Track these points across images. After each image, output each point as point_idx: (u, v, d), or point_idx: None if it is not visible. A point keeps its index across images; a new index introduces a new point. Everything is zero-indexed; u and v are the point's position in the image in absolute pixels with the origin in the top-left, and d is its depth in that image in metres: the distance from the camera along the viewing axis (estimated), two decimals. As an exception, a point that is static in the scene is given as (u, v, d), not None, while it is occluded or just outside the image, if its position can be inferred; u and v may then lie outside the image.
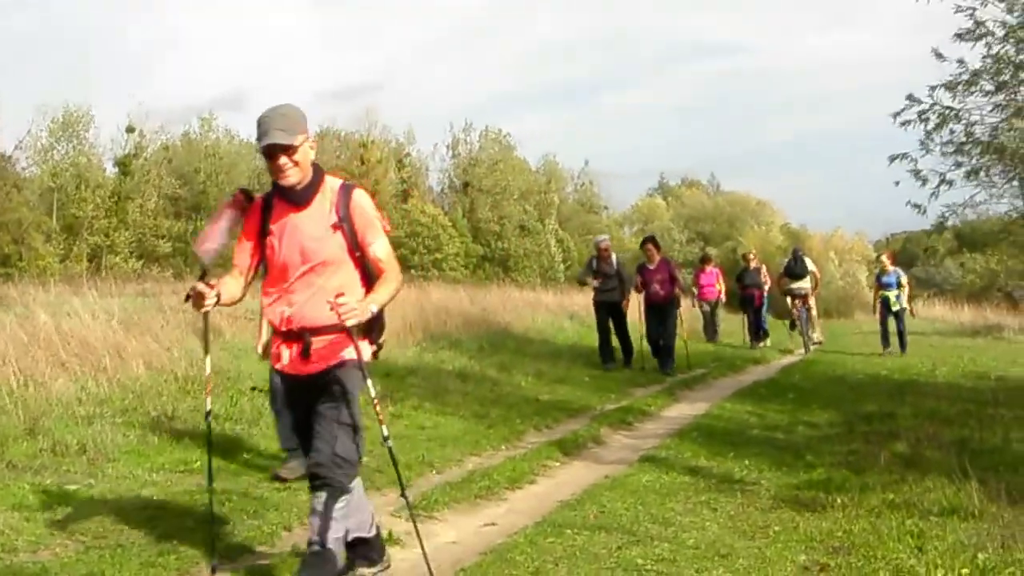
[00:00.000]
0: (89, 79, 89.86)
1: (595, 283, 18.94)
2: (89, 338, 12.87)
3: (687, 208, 74.31)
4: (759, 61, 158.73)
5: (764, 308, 26.63)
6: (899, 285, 23.03)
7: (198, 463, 8.85)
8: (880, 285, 23.61)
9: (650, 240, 19.67)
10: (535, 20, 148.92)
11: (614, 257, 19.26)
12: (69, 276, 31.71)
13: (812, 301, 24.98)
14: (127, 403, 11.17)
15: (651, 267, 18.93)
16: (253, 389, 12.10)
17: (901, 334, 22.90)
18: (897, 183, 12.33)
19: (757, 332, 26.15)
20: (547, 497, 8.40)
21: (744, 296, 26.55)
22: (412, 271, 46.08)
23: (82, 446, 9.11)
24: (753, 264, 27.00)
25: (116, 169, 50.73)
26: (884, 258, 24.49)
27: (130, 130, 50.73)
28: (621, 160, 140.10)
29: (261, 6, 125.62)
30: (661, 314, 18.75)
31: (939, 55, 11.81)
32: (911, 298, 24.50)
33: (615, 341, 19.06)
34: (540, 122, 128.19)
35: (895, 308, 22.87)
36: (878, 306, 23.44)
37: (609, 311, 18.86)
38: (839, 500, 7.66)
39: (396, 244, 33.67)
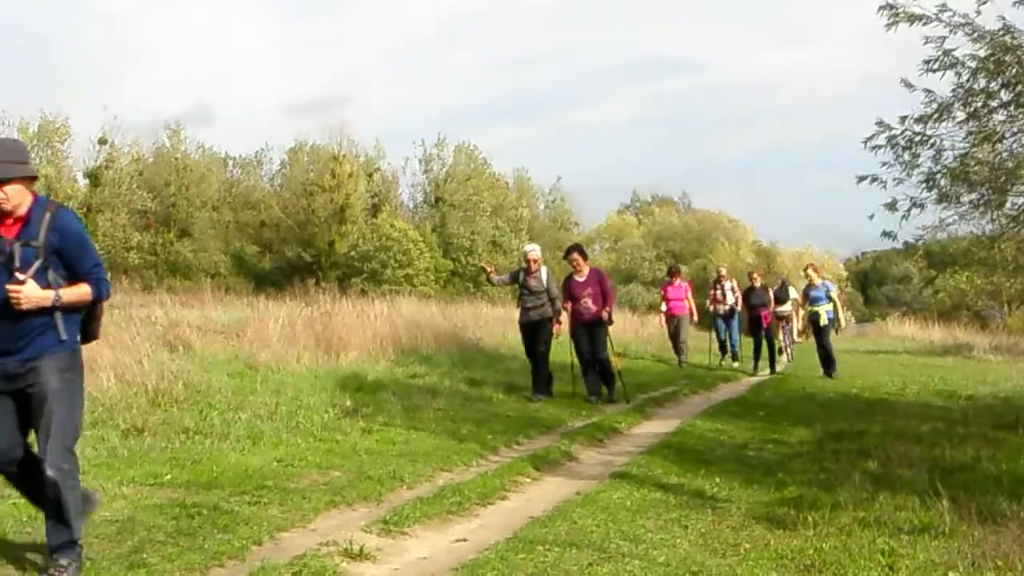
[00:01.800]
0: (54, 91, 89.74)
1: (491, 272, 17.57)
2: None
3: (658, 225, 74.63)
4: (725, 77, 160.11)
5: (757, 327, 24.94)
6: (829, 299, 21.81)
7: (168, 476, 8.80)
8: (808, 300, 22.28)
9: (576, 249, 17.48)
10: (500, 34, 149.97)
11: (544, 271, 16.89)
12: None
13: (793, 323, 26.51)
14: (97, 415, 11.11)
15: (580, 279, 16.80)
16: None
17: (827, 355, 21.56)
18: (872, 216, 12.32)
19: (764, 352, 24.42)
20: (518, 513, 8.38)
21: (751, 317, 24.26)
22: (384, 285, 46.03)
23: (51, 459, 9.04)
24: (759, 282, 24.91)
25: (87, 181, 50.51)
26: (810, 271, 22.92)
27: (102, 142, 50.57)
28: (591, 176, 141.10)
29: (227, 21, 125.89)
30: (591, 333, 16.58)
31: (909, 85, 11.84)
32: (840, 315, 23.33)
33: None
34: (509, 136, 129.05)
35: (822, 324, 21.42)
36: (806, 324, 22.33)
37: (535, 332, 16.76)
38: (810, 518, 7.66)
39: (366, 258, 33.87)
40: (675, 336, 25.46)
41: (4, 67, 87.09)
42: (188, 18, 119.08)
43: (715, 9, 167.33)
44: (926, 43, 11.70)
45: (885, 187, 12.15)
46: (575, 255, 17.04)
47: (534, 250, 17.25)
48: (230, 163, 62.41)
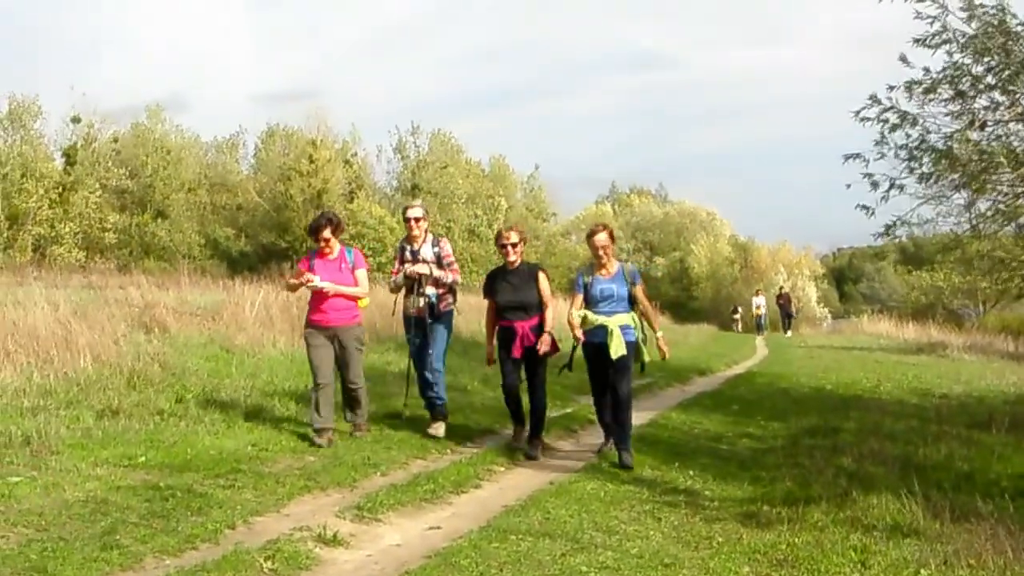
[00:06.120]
0: (24, 72, 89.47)
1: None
2: (36, 329, 12.76)
3: (636, 216, 74.54)
4: (702, 74, 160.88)
5: None
6: (631, 302, 10.67)
7: (142, 458, 8.78)
8: (587, 299, 10.66)
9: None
10: (477, 25, 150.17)
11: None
12: (13, 266, 31.50)
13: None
14: (72, 395, 11.08)
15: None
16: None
17: (620, 416, 10.51)
18: (849, 186, 12.34)
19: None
20: (492, 502, 8.40)
21: (501, 331, 11.33)
22: (358, 272, 45.84)
23: (26, 438, 9.00)
24: (516, 255, 11.12)
25: (63, 160, 50.27)
26: (599, 241, 10.98)
27: (75, 120, 50.26)
28: (568, 168, 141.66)
29: (197, 11, 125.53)
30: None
31: (905, 60, 11.85)
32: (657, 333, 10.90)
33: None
34: (485, 126, 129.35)
35: (616, 355, 10.15)
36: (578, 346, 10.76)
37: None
38: (783, 513, 7.70)
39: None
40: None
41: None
42: (163, 5, 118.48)
43: (692, 7, 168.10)
44: (916, 18, 11.73)
45: (868, 167, 12.19)
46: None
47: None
48: (207, 145, 62.34)
